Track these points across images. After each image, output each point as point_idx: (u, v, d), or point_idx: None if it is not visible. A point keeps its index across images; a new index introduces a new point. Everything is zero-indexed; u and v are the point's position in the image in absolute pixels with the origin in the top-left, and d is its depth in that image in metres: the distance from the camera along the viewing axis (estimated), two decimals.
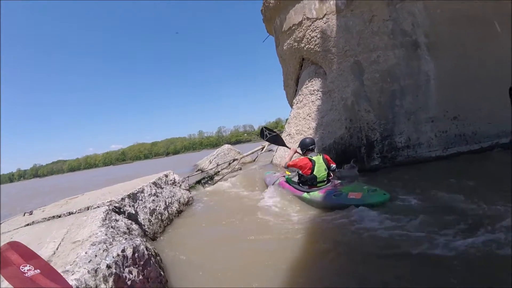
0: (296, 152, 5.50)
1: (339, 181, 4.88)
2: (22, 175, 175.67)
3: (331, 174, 5.06)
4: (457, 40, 6.09)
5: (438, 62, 6.09)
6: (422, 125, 6.00)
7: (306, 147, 5.15)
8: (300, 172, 4.98)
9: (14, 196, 27.11)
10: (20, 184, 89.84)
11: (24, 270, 1.46)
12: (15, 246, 1.65)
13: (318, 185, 4.84)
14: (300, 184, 5.09)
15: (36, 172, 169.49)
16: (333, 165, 5.09)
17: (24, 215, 4.39)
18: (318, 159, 4.92)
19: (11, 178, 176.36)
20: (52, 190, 24.12)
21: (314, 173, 4.82)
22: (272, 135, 6.18)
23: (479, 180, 4.20)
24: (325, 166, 4.91)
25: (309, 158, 4.90)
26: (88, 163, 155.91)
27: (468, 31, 6.08)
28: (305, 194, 4.81)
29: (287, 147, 6.12)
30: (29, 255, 1.61)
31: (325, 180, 4.90)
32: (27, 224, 3.55)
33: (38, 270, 1.49)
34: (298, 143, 5.44)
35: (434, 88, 6.05)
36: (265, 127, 6.26)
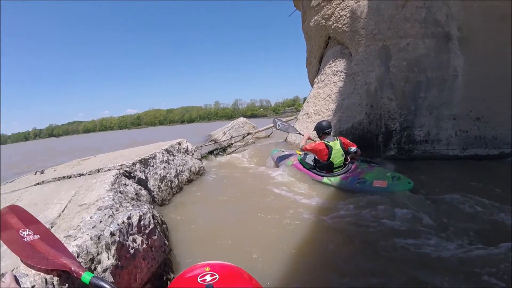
0: (309, 138, 5.39)
1: (357, 165, 4.76)
2: (37, 134, 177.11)
3: (348, 158, 4.93)
4: (489, 37, 5.74)
5: (468, 58, 5.77)
6: (444, 121, 5.78)
7: (322, 130, 4.97)
8: (316, 157, 4.88)
9: (29, 154, 27.67)
10: (36, 143, 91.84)
11: (23, 235, 1.44)
12: (15, 209, 1.65)
13: (335, 170, 4.76)
14: (317, 169, 5.01)
15: (52, 132, 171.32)
16: (353, 148, 4.90)
17: (35, 173, 4.44)
18: (335, 144, 4.76)
19: (26, 136, 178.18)
20: (68, 151, 24.52)
21: (330, 159, 4.72)
22: (284, 124, 6.09)
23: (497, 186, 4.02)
24: (342, 152, 4.78)
25: (325, 144, 4.75)
26: (104, 126, 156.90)
27: (501, 29, 5.73)
28: (325, 179, 4.74)
29: (300, 134, 5.97)
30: (29, 220, 1.60)
31: (341, 165, 4.81)
32: (37, 183, 3.58)
33: (38, 236, 1.47)
34: (315, 125, 5.28)
35: (461, 85, 5.77)
36: (277, 118, 6.19)
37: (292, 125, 6.25)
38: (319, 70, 8.53)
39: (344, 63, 7.10)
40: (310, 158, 5.31)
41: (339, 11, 6.93)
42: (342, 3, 6.81)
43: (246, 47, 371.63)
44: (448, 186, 4.11)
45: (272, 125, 13.67)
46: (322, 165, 4.88)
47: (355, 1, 6.54)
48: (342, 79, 7.09)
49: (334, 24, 7.13)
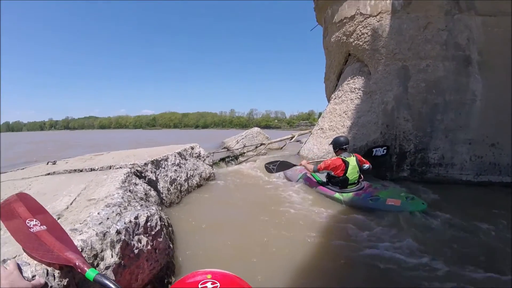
0: (308, 163, 5.39)
1: (370, 184, 4.78)
2: (53, 125, 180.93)
3: (361, 176, 4.92)
4: (508, 63, 5.68)
5: (487, 82, 5.71)
6: (459, 146, 5.71)
7: (340, 145, 5.00)
8: (332, 173, 4.85)
9: (44, 144, 28.09)
10: (51, 134, 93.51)
11: (30, 225, 1.42)
12: (23, 198, 1.62)
13: (349, 186, 4.72)
14: (330, 184, 4.97)
15: (67, 125, 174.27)
16: (366, 165, 4.97)
17: (47, 163, 4.51)
18: (352, 160, 4.77)
19: (42, 126, 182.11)
20: (82, 145, 24.84)
21: (346, 175, 4.69)
22: (277, 165, 5.99)
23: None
24: (357, 168, 4.79)
25: (342, 159, 4.76)
26: (119, 123, 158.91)
27: None
28: (337, 195, 4.70)
29: (296, 165, 5.89)
30: (37, 209, 1.58)
31: (356, 182, 4.78)
32: (48, 174, 3.64)
33: (44, 226, 1.45)
34: (332, 139, 5.28)
35: (478, 109, 5.70)
36: (267, 163, 5.98)
37: (284, 161, 6.13)
38: (336, 86, 8.51)
39: (363, 80, 7.08)
40: (323, 174, 5.27)
41: (360, 29, 6.93)
42: (364, 21, 6.81)
43: (265, 58, 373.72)
44: (463, 211, 4.03)
45: (286, 137, 13.72)
46: (336, 181, 4.83)
47: (377, 20, 6.54)
48: (359, 97, 7.06)
49: (355, 42, 7.13)
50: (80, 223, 1.78)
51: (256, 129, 13.51)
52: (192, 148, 6.04)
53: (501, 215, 3.85)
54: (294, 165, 5.86)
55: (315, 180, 5.29)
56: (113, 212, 2.05)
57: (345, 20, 7.41)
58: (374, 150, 5.71)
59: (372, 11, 6.66)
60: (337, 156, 4.89)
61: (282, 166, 5.91)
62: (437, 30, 5.94)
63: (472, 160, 5.64)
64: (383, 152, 5.68)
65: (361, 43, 6.96)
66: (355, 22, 7.08)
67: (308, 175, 5.54)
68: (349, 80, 7.53)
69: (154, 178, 4.01)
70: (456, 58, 5.84)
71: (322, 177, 5.25)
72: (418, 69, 6.04)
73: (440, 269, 2.60)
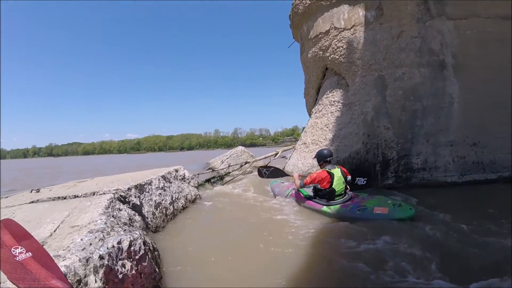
0: (300, 176, 5.45)
1: (357, 194, 4.79)
2: (36, 152, 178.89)
3: (348, 187, 4.94)
4: (484, 63, 5.92)
5: (463, 84, 5.93)
6: (441, 148, 5.83)
7: (324, 158, 5.03)
8: (318, 186, 4.87)
9: (27, 172, 27.48)
10: (35, 161, 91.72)
11: (16, 253, 1.41)
12: (8, 224, 1.60)
13: (336, 198, 4.72)
14: (317, 198, 4.97)
15: (51, 151, 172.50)
16: (349, 177, 4.99)
17: (31, 191, 4.44)
18: (337, 172, 4.79)
19: (25, 154, 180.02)
20: (70, 171, 24.35)
21: (333, 186, 4.70)
22: (270, 171, 6.03)
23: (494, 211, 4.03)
24: (343, 179, 4.80)
25: (327, 171, 4.77)
26: (103, 149, 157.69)
27: (496, 54, 5.92)
28: (324, 208, 4.68)
29: (288, 175, 5.95)
30: (22, 235, 1.56)
31: (343, 193, 4.79)
32: (32, 202, 3.58)
33: (30, 253, 1.44)
34: (316, 153, 5.32)
35: (457, 111, 5.89)
36: (260, 167, 6.10)
37: (278, 168, 6.20)
38: (316, 100, 8.64)
39: (341, 93, 7.20)
40: (309, 188, 5.28)
41: (336, 43, 7.10)
42: (339, 34, 6.99)
43: (247, 76, 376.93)
44: (450, 213, 4.07)
45: (270, 154, 13.76)
46: (323, 193, 4.82)
47: (352, 33, 6.72)
48: (339, 109, 7.16)
49: (331, 55, 7.29)
50: (63, 250, 1.76)
51: (240, 148, 13.51)
52: (176, 171, 6.00)
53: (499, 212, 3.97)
54: (287, 175, 5.90)
55: (302, 195, 5.29)
56: (95, 237, 2.02)
57: (320, 35, 7.60)
58: (357, 179, 5.76)
59: (346, 25, 6.86)
60: (322, 169, 4.91)
61: (274, 173, 5.95)
62: (410, 37, 6.15)
63: (455, 161, 5.77)
64: (364, 183, 5.71)
65: (337, 57, 7.12)
66: (330, 37, 7.27)
67: (296, 190, 5.54)
68: (328, 94, 7.66)
69: (138, 203, 3.96)
70: (431, 63, 6.04)
71: (309, 191, 5.25)
72: (394, 78, 6.20)
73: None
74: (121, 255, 2.04)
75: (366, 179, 5.61)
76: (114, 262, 1.92)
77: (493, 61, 5.92)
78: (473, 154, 5.75)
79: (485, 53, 5.92)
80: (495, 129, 5.79)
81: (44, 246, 1.85)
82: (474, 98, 5.87)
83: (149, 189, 4.45)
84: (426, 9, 6.07)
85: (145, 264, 2.27)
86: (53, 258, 1.59)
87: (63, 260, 1.62)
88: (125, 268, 1.99)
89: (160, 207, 4.47)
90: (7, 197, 4.34)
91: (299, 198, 5.30)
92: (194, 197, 5.87)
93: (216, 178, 9.23)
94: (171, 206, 4.84)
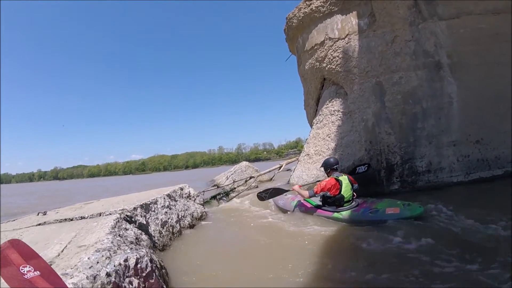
0: (300, 187, 5.54)
1: (364, 200, 4.90)
2: (42, 176, 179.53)
3: (355, 194, 5.01)
4: (480, 59, 5.94)
5: (461, 83, 5.94)
6: (444, 149, 5.82)
7: (330, 166, 5.18)
8: (328, 193, 4.89)
9: (34, 195, 27.47)
10: (41, 184, 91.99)
11: (24, 271, 1.42)
12: (15, 244, 1.61)
13: (345, 205, 4.79)
14: (326, 205, 5.01)
15: (56, 175, 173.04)
16: (355, 185, 5.06)
17: (38, 214, 4.48)
18: (344, 179, 4.91)
19: (31, 177, 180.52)
20: (76, 193, 24.34)
21: (341, 193, 4.79)
22: (269, 193, 6.03)
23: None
24: (350, 186, 4.91)
25: (335, 178, 4.87)
26: (108, 170, 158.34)
27: (492, 50, 5.94)
28: (335, 214, 4.75)
29: (289, 190, 5.96)
30: (29, 255, 1.58)
31: (351, 200, 4.86)
32: (39, 224, 3.62)
33: (38, 272, 1.45)
34: (323, 161, 5.46)
35: (456, 111, 5.89)
36: (259, 192, 6.13)
37: (276, 187, 6.23)
38: (317, 111, 8.66)
39: (341, 102, 7.23)
40: (316, 198, 5.29)
41: (331, 53, 7.16)
42: (334, 44, 7.06)
43: (248, 92, 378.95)
44: (460, 212, 4.11)
45: (274, 168, 13.77)
46: (332, 201, 4.90)
47: (346, 42, 6.79)
48: (339, 118, 7.18)
49: (328, 66, 7.34)
50: (71, 268, 1.79)
51: (244, 163, 13.57)
52: (181, 189, 6.02)
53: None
54: (286, 190, 5.88)
55: (310, 205, 5.29)
56: (102, 256, 2.04)
57: (315, 47, 7.67)
58: (357, 168, 5.83)
59: (340, 34, 6.93)
60: (330, 177, 5.00)
61: (274, 193, 5.94)
62: (405, 41, 6.19)
63: (459, 161, 5.75)
64: (365, 169, 5.77)
65: (333, 66, 7.17)
66: (325, 47, 7.33)
67: (302, 200, 5.53)
68: (327, 104, 7.69)
69: (145, 222, 3.97)
70: (427, 65, 6.07)
71: (316, 200, 5.26)
72: (392, 83, 6.23)
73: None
74: (128, 272, 2.06)
75: (366, 165, 5.77)
76: (121, 279, 1.94)
77: (489, 57, 5.94)
78: (477, 152, 5.74)
79: (480, 50, 5.95)
80: (496, 125, 5.78)
81: (52, 266, 1.87)
82: (473, 96, 5.88)
83: (154, 208, 4.47)
84: (417, 11, 6.12)
85: (152, 281, 2.29)
86: (61, 276, 1.61)
87: (71, 278, 1.65)
88: (132, 285, 2.02)
89: (167, 225, 4.47)
90: (14, 220, 4.38)
91: (308, 208, 5.31)
92: (200, 214, 5.88)
93: (221, 195, 9.25)
94: (178, 224, 4.85)
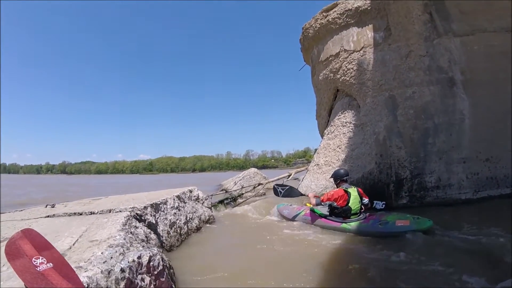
0: (315, 196, 5.43)
1: (372, 213, 4.88)
2: (50, 169, 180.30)
3: (363, 207, 4.99)
4: (492, 76, 5.93)
5: (473, 100, 5.94)
6: (454, 166, 5.80)
7: (340, 177, 5.18)
8: (335, 204, 4.90)
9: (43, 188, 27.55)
10: (48, 177, 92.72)
11: (36, 263, 1.39)
12: (28, 234, 1.58)
13: (352, 217, 4.78)
14: (333, 216, 5.00)
15: (64, 169, 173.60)
16: (366, 199, 5.04)
17: (46, 206, 4.55)
18: (353, 191, 4.91)
19: (38, 170, 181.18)
20: (84, 188, 24.44)
21: (349, 204, 4.79)
22: (285, 189, 6.01)
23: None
24: (359, 199, 4.90)
25: (344, 190, 4.88)
26: (116, 168, 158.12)
27: (504, 67, 5.91)
28: (343, 225, 4.75)
29: (303, 195, 5.96)
30: (43, 245, 1.55)
31: (358, 213, 4.85)
32: (48, 216, 3.67)
33: (51, 264, 1.43)
34: (333, 172, 5.45)
35: (468, 127, 5.88)
36: (276, 184, 6.09)
37: (293, 187, 6.19)
38: (328, 121, 8.68)
39: (353, 114, 7.26)
40: (324, 208, 5.29)
41: (346, 65, 7.21)
42: (349, 57, 7.11)
43: (258, 98, 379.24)
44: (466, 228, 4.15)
45: (283, 175, 13.76)
46: (339, 212, 4.89)
47: (361, 55, 6.84)
48: (351, 130, 7.20)
49: (342, 77, 7.39)
50: (85, 262, 1.82)
51: (253, 169, 13.56)
52: (191, 191, 6.07)
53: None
54: (302, 194, 5.88)
55: (317, 215, 5.29)
56: (116, 252, 2.08)
57: (330, 58, 7.73)
58: (375, 203, 5.78)
59: (356, 47, 6.98)
60: (339, 187, 5.01)
61: (289, 191, 5.93)
62: (419, 56, 6.21)
63: (468, 178, 5.72)
64: (382, 206, 5.70)
65: (347, 78, 7.22)
66: (340, 59, 7.39)
67: (307, 211, 5.52)
68: (340, 115, 7.72)
69: (154, 222, 4.02)
70: (440, 81, 6.07)
71: (324, 210, 5.25)
72: (405, 97, 6.24)
73: None
74: (141, 269, 2.10)
75: (384, 202, 5.61)
76: (135, 275, 1.98)
77: (501, 74, 5.92)
78: (487, 170, 5.71)
79: (493, 67, 5.93)
80: (507, 143, 5.76)
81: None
82: (485, 113, 5.87)
83: (164, 209, 4.51)
84: (433, 27, 6.13)
85: (163, 279, 2.33)
86: (75, 269, 1.62)
87: (85, 272, 1.68)
88: (144, 282, 2.05)
89: (175, 226, 4.51)
90: (21, 210, 4.45)
91: (313, 218, 5.30)
92: (207, 217, 5.91)
93: (229, 200, 9.28)
94: (185, 226, 4.88)
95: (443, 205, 5.64)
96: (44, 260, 1.45)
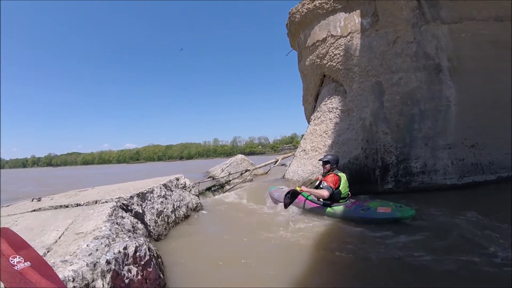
0: (308, 188, 5.32)
1: (358, 199, 5.01)
2: (36, 162, 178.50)
3: (349, 193, 5.08)
4: (480, 65, 6.01)
5: (459, 87, 6.01)
6: (439, 152, 5.88)
7: (337, 163, 5.23)
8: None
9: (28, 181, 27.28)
10: (34, 170, 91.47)
11: (14, 262, 1.35)
12: (5, 233, 1.52)
13: (340, 201, 4.85)
14: (321, 199, 5.01)
15: (50, 161, 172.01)
16: None
17: (32, 200, 4.48)
18: (343, 176, 4.99)
19: (24, 163, 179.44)
20: (70, 180, 24.18)
21: (340, 188, 4.85)
22: (289, 197, 5.30)
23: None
24: (347, 184, 4.99)
25: (336, 174, 4.96)
26: (102, 159, 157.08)
27: (491, 55, 6.00)
28: (328, 209, 4.79)
29: (300, 193, 5.82)
30: (20, 245, 1.50)
31: (346, 197, 4.94)
32: (34, 210, 3.61)
33: (29, 263, 1.38)
34: (325, 156, 5.37)
35: (454, 114, 5.95)
36: (285, 204, 5.30)
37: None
38: (315, 107, 8.68)
39: (339, 99, 7.25)
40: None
41: (333, 50, 7.18)
42: (336, 42, 7.07)
43: (245, 86, 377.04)
44: (449, 214, 4.21)
45: (270, 161, 13.79)
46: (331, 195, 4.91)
47: (348, 40, 6.81)
48: (337, 116, 7.21)
49: (329, 63, 7.36)
50: (70, 255, 1.79)
51: (240, 156, 13.58)
52: (177, 179, 6.03)
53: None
54: (299, 193, 5.57)
55: (303, 198, 5.29)
56: (101, 243, 2.05)
57: (317, 43, 7.68)
58: None
59: (343, 32, 6.94)
60: (332, 173, 5.04)
61: (293, 196, 5.47)
62: (406, 43, 6.23)
63: (454, 164, 5.81)
64: None
65: (334, 64, 7.19)
66: (327, 44, 7.34)
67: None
68: (326, 101, 7.71)
69: (141, 211, 3.98)
70: (427, 67, 6.12)
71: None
72: (391, 83, 6.26)
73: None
74: (127, 260, 2.08)
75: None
76: (121, 267, 1.95)
77: (488, 63, 6.00)
78: (472, 156, 5.81)
79: (480, 55, 6.01)
80: (493, 130, 5.86)
81: (49, 252, 1.88)
82: (471, 100, 5.95)
83: (151, 198, 4.48)
84: (421, 13, 6.16)
85: (150, 269, 2.31)
86: (60, 263, 1.61)
87: (71, 265, 1.65)
88: (131, 273, 2.03)
89: (162, 215, 4.48)
90: (8, 205, 4.36)
91: (300, 200, 5.31)
92: (195, 205, 5.89)
93: (216, 187, 9.29)
94: (173, 214, 4.86)
95: (429, 190, 5.73)
96: (22, 259, 1.40)
